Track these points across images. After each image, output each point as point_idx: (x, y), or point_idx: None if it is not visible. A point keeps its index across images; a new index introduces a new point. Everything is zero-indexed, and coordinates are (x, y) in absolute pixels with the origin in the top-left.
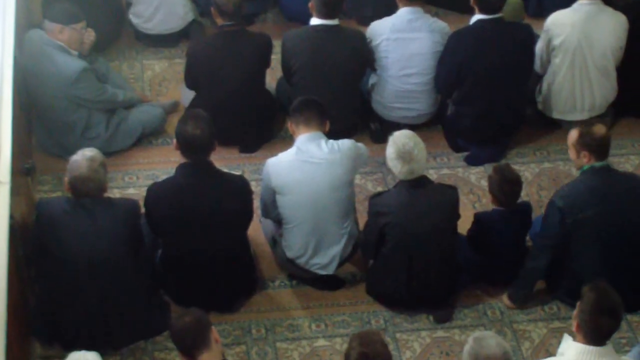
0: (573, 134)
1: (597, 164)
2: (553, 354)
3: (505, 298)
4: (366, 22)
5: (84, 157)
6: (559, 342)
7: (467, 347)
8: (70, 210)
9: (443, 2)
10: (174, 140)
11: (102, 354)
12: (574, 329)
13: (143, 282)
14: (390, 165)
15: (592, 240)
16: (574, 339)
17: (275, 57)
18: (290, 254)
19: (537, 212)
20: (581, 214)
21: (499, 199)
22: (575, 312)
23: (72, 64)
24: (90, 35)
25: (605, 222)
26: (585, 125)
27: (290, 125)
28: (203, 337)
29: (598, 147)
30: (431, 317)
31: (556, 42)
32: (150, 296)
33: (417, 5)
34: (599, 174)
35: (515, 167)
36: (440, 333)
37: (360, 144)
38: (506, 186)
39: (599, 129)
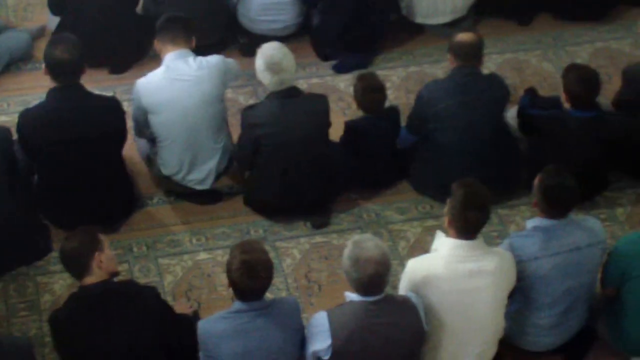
0: None
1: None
2: (428, 251)
3: None
4: None
5: None
6: (433, 240)
7: (346, 251)
8: None
9: None
10: (43, 65)
11: None
12: (445, 225)
13: (20, 208)
14: (260, 77)
15: (452, 131)
16: (447, 235)
17: None
18: (166, 171)
19: (406, 115)
20: (442, 103)
21: (364, 106)
22: (445, 209)
23: None
24: None
25: (463, 114)
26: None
27: (157, 44)
28: (80, 266)
29: (462, 52)
30: (309, 224)
31: None
32: (29, 221)
33: None
34: (464, 73)
35: (383, 72)
36: (318, 238)
37: (229, 59)
38: (370, 94)
39: (466, 36)
